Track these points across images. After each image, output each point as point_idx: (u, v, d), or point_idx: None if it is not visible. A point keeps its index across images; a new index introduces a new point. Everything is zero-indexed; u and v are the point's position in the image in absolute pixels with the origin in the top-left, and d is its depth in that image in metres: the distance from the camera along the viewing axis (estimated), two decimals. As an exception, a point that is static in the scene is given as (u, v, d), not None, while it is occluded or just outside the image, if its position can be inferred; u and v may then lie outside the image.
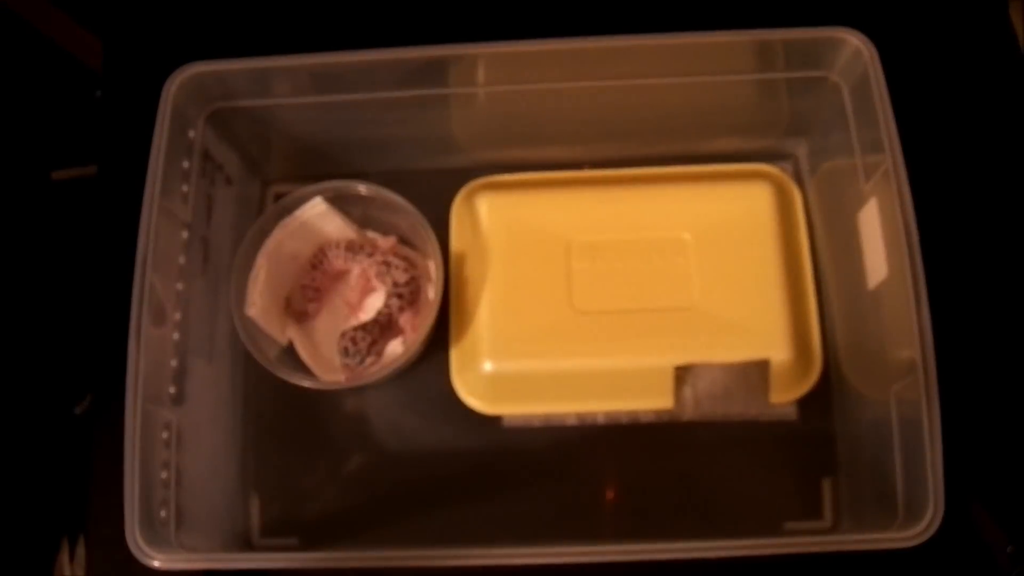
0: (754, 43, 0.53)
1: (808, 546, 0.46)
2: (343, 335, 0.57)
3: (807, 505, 0.56)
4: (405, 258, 0.60)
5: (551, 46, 0.53)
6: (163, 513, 0.49)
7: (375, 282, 0.60)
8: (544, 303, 0.57)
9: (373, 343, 0.58)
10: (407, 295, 0.58)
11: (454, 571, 0.47)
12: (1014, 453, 0.55)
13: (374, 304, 0.59)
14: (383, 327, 0.58)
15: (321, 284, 0.60)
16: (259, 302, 0.57)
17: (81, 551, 0.55)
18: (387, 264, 0.59)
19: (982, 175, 0.60)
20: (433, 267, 0.57)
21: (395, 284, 0.59)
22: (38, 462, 0.57)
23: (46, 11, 0.60)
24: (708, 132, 0.61)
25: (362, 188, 0.58)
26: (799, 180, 0.61)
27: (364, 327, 0.58)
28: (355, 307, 0.60)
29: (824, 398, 0.57)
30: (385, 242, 0.60)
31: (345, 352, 0.57)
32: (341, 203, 0.60)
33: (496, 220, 0.59)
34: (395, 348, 0.58)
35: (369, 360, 0.57)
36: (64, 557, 0.55)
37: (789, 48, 0.54)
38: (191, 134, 0.55)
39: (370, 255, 0.59)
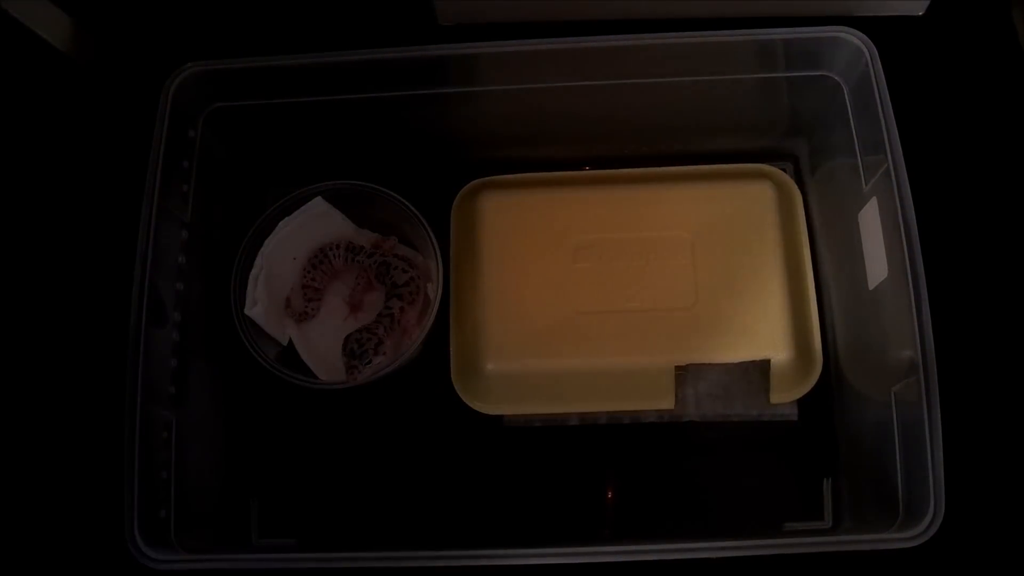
0: (755, 43, 0.53)
1: (808, 546, 0.46)
2: (348, 337, 0.57)
3: (807, 505, 0.56)
4: (405, 258, 0.60)
5: (551, 46, 0.53)
6: (163, 513, 0.49)
7: (375, 282, 0.60)
8: (545, 303, 0.57)
9: (379, 344, 0.58)
10: (407, 295, 0.58)
11: (454, 571, 0.47)
12: (1014, 453, 0.55)
13: (374, 304, 0.59)
14: (384, 327, 0.58)
15: (321, 284, 0.60)
16: (259, 302, 0.57)
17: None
18: (387, 264, 0.59)
19: (982, 175, 0.60)
20: (433, 267, 0.57)
21: (395, 284, 0.58)
22: (37, 462, 0.57)
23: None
24: (709, 132, 0.61)
25: (362, 188, 0.58)
26: (799, 180, 0.62)
27: (369, 328, 0.58)
28: (355, 307, 0.60)
29: (824, 398, 0.57)
30: (385, 242, 0.60)
31: (351, 354, 0.57)
32: (341, 203, 0.60)
33: (496, 220, 0.59)
34: (396, 348, 0.58)
35: (376, 360, 0.57)
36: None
37: (789, 48, 0.54)
38: (191, 134, 0.55)
39: (370, 255, 0.59)
